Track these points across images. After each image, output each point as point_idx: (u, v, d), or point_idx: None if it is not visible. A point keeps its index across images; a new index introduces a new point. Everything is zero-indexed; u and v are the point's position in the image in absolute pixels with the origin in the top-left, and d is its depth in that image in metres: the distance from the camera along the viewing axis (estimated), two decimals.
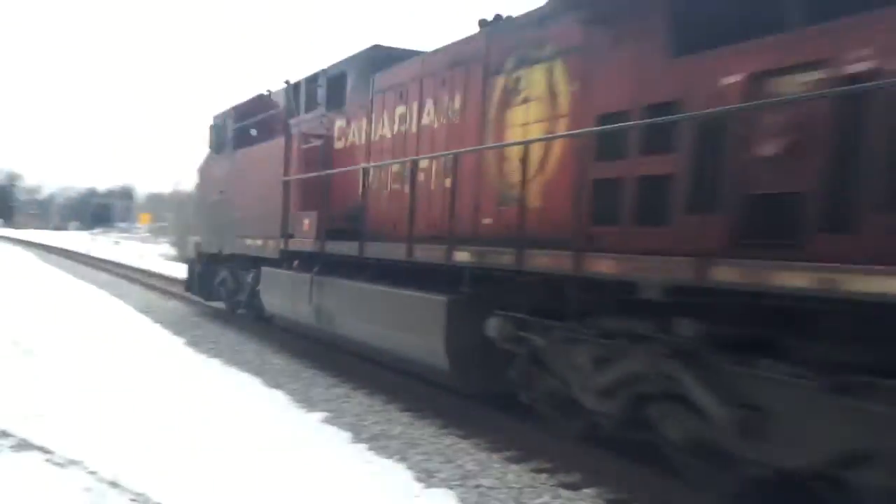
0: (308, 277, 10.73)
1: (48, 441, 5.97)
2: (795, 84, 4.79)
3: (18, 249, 48.66)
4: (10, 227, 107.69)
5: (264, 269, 12.58)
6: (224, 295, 15.79)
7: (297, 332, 12.30)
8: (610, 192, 5.99)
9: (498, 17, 8.30)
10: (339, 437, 7.95)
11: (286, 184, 11.77)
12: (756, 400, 4.91)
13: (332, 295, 10.19)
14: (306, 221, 11.01)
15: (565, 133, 6.76)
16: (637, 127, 5.75)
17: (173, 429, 7.51)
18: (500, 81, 7.80)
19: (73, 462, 5.39)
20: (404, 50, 10.80)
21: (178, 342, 13.34)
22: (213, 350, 12.64)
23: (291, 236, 11.54)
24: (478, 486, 6.42)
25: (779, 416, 4.79)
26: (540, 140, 6.95)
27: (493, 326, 7.38)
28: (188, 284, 17.57)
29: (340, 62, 11.62)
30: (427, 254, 7.98)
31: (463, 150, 7.99)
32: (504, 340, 7.30)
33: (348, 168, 10.63)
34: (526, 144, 6.83)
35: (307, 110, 12.55)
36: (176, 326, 15.01)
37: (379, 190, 9.97)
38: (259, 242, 12.77)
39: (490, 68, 7.97)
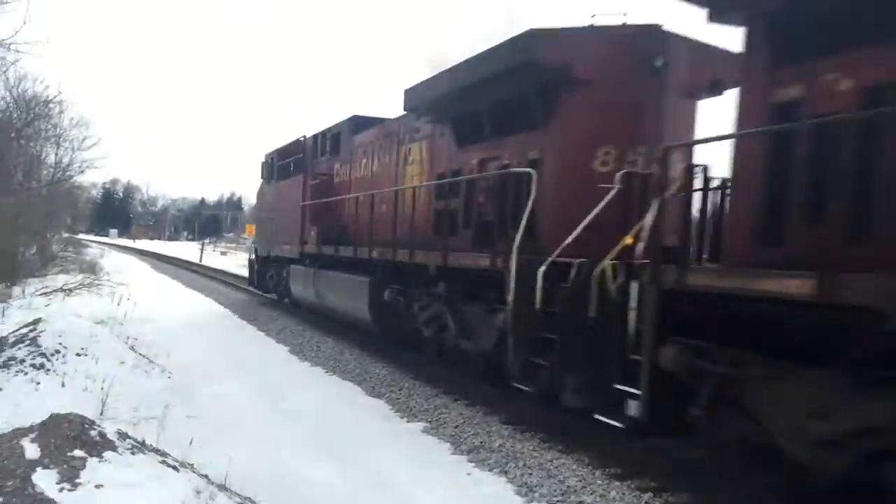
0: (312, 270, 15.78)
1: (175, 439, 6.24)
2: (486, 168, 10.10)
3: (134, 259, 51.19)
4: (126, 237, 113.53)
5: (291, 266, 17.67)
6: (272, 287, 20.72)
7: (319, 312, 16.69)
8: (440, 216, 10.82)
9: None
10: (439, 448, 7.97)
11: (303, 207, 16.84)
12: None
13: (322, 280, 15.20)
14: (312, 233, 16.10)
15: (421, 185, 11.88)
16: (445, 182, 10.90)
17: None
18: (403, 149, 12.98)
19: (184, 465, 5.58)
20: (372, 118, 15.25)
21: (282, 349, 13.83)
22: (333, 367, 12.94)
23: (306, 243, 16.48)
24: (580, 503, 6.29)
25: None
26: (412, 187, 12.01)
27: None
28: (250, 280, 23.05)
29: (338, 124, 16.53)
30: (363, 252, 12.92)
31: (382, 190, 13.09)
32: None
33: (336, 198, 15.72)
34: (409, 189, 12.06)
35: (320, 155, 17.53)
36: (280, 336, 15.55)
37: (355, 211, 14.52)
38: (287, 247, 17.99)
39: (400, 141, 13.08)
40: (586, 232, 7.33)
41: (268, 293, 21.36)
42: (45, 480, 4.48)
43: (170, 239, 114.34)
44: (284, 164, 19.36)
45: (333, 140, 16.70)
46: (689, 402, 5.94)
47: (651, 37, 8.47)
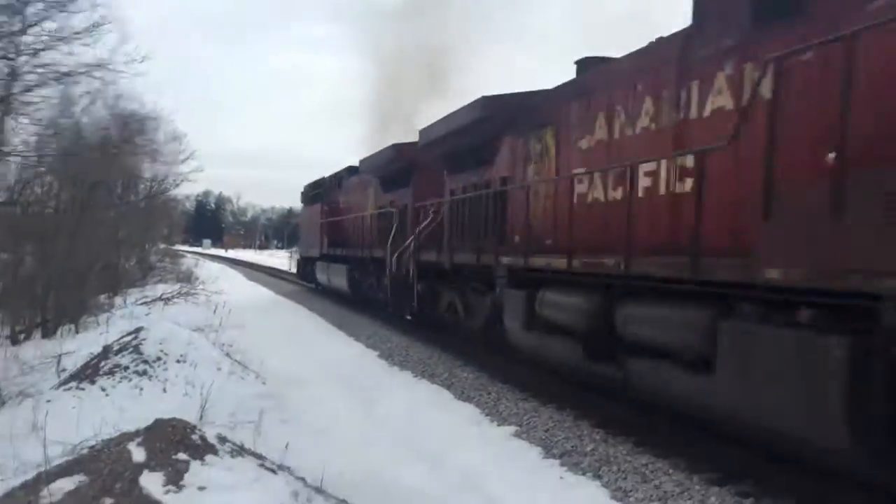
0: (325, 264, 24.64)
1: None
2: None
3: (227, 268, 52.82)
4: (219, 246, 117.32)
5: (316, 262, 26.96)
6: (308, 277, 30.44)
7: (328, 290, 25.62)
8: (380, 231, 18.73)
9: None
10: (530, 453, 7.93)
11: (320, 223, 25.91)
12: None
13: (329, 269, 23.99)
14: (325, 240, 24.98)
15: (367, 213, 20.72)
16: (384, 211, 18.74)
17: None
18: (368, 190, 21.16)
19: (281, 468, 5.73)
20: (356, 168, 22.56)
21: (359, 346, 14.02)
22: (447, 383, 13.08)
23: (321, 247, 25.29)
24: None
25: None
26: (365, 214, 21.57)
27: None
28: (298, 275, 34.39)
29: (340, 171, 25.32)
30: (348, 251, 21.48)
31: (357, 214, 21.73)
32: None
33: (338, 218, 24.14)
34: (365, 215, 21.21)
35: (331, 190, 26.16)
36: (370, 341, 15.76)
37: (346, 227, 23.01)
38: (313, 250, 27.45)
39: (365, 186, 21.73)
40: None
41: (308, 282, 31.10)
42: (151, 483, 4.67)
43: (261, 248, 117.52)
44: (312, 194, 29.18)
45: (338, 181, 25.49)
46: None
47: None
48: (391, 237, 16.06)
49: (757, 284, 5.45)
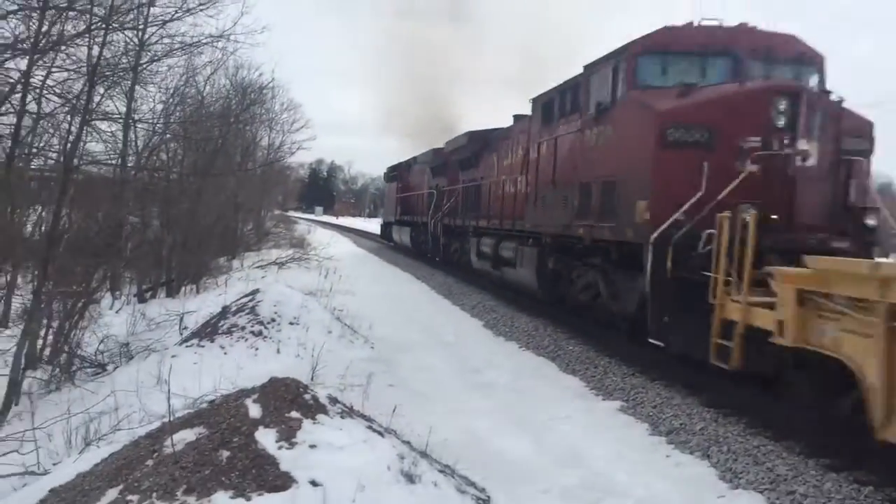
0: (398, 227, 34.79)
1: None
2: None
3: (337, 234, 54.11)
4: (330, 214, 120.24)
5: (392, 225, 36.99)
6: (388, 238, 39.57)
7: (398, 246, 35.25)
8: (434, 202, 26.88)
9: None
10: (637, 429, 7.81)
11: (396, 198, 34.92)
12: None
13: (400, 231, 34.13)
14: (398, 209, 34.58)
15: (422, 192, 30.00)
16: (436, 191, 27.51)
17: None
18: (425, 177, 29.24)
19: (388, 431, 5.86)
20: (413, 160, 33.26)
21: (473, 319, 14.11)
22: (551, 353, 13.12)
23: (396, 213, 35.23)
24: (791, 493, 5.94)
25: None
26: (421, 193, 31.32)
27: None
28: (381, 235, 43.99)
29: (408, 160, 34.33)
30: (414, 218, 30.97)
31: (416, 192, 31.69)
32: None
33: (407, 194, 32.80)
34: (422, 193, 30.52)
35: (404, 172, 34.35)
36: (475, 310, 15.88)
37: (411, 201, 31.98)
38: (391, 216, 37.72)
39: (422, 172, 30.66)
40: None
41: (388, 241, 40.36)
42: (266, 438, 4.86)
43: (370, 216, 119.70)
44: (391, 174, 39.16)
45: (408, 166, 34.05)
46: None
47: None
48: (431, 208, 25.70)
49: (524, 230, 14.34)
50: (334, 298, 14.21)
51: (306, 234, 42.25)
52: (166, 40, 14.25)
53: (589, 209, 10.99)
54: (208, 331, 9.98)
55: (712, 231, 7.79)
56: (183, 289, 17.59)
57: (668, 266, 8.19)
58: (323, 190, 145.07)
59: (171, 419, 5.38)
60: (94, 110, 12.24)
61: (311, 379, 7.99)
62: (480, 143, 20.30)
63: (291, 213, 66.51)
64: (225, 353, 9.09)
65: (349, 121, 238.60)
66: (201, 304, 13.21)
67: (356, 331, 11.58)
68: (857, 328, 5.73)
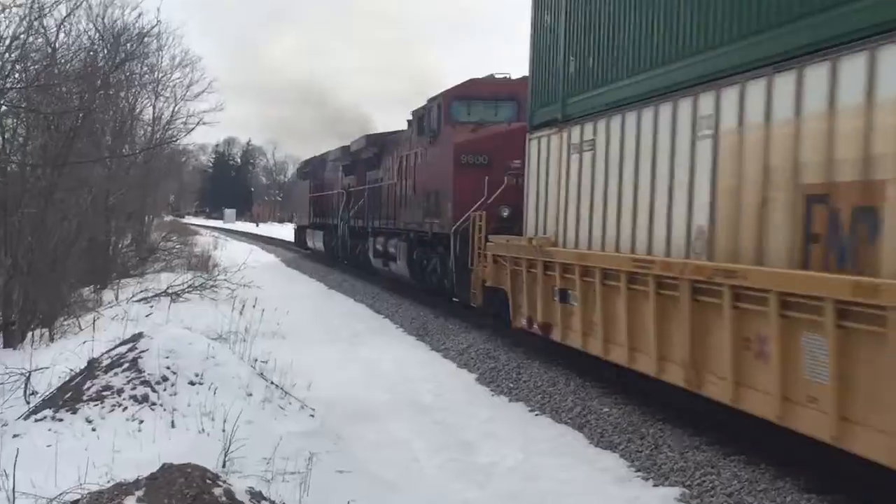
0: (310, 230, 48.29)
1: None
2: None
3: (257, 249, 54.23)
4: (247, 219, 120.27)
5: (307, 229, 49.72)
6: (301, 242, 52.85)
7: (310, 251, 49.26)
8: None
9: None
10: None
11: (309, 198, 48.11)
12: None
13: (311, 234, 48.33)
14: (311, 211, 47.66)
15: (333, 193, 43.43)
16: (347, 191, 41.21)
17: None
18: (338, 175, 42.15)
19: None
20: (323, 155, 47.05)
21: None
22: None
23: (308, 216, 49.04)
24: None
25: None
26: (331, 193, 43.67)
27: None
28: (297, 242, 55.88)
29: (323, 154, 46.91)
30: (322, 220, 45.51)
31: (328, 192, 45.50)
32: None
33: (319, 194, 45.78)
34: (334, 194, 43.57)
35: (318, 170, 47.26)
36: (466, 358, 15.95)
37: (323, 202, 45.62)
38: (305, 220, 50.44)
39: (335, 169, 43.56)
40: None
41: (303, 248, 51.51)
42: None
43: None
44: (304, 171, 51.56)
45: (321, 163, 44.90)
46: None
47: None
48: (341, 210, 36.83)
49: (400, 228, 26.80)
50: (255, 344, 14.17)
51: (212, 251, 42.17)
52: None
53: (430, 210, 22.46)
54: (68, 397, 9.89)
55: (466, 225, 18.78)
56: (30, 335, 17.44)
57: (457, 247, 19.39)
58: (235, 184, 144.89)
59: None
60: None
61: (224, 465, 7.96)
62: (380, 146, 31.05)
63: (190, 220, 66.39)
64: (93, 430, 9.01)
65: (277, 83, 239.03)
66: (57, 358, 13.08)
67: (288, 392, 11.55)
68: (510, 271, 16.27)
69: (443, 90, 21.78)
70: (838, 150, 7.82)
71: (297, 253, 53.94)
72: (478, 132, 20.25)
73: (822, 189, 8.02)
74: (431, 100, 22.44)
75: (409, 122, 26.92)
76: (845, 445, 7.53)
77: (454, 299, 20.52)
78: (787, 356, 8.20)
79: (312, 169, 46.74)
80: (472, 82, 21.44)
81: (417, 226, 23.28)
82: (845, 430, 7.46)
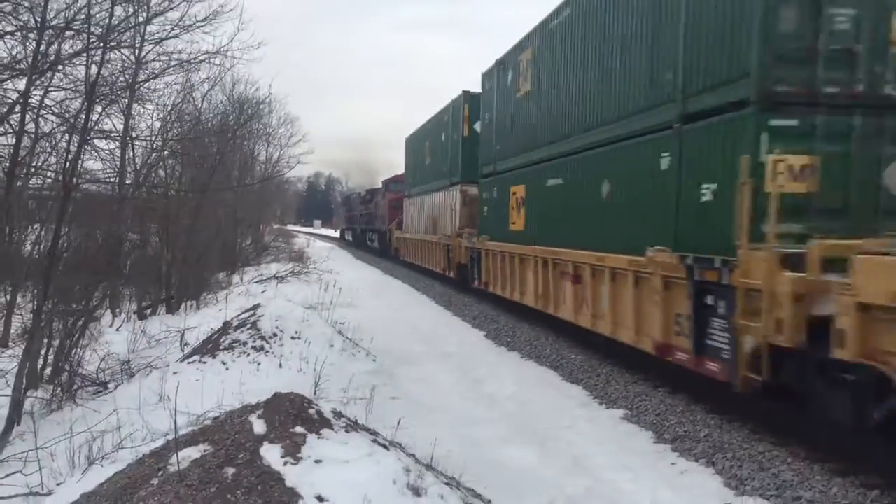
0: (345, 231, 66.12)
1: None
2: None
3: (335, 247, 54.30)
4: (328, 226, 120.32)
5: (344, 231, 67.89)
6: (344, 237, 66.40)
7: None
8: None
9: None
10: (641, 437, 7.80)
11: (344, 216, 70.11)
12: None
13: (346, 233, 64.34)
14: (347, 221, 65.61)
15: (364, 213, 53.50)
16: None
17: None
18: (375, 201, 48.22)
19: (393, 444, 5.84)
20: (376, 190, 47.16)
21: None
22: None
23: (347, 224, 65.88)
24: (797, 499, 5.93)
25: None
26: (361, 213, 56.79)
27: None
28: (340, 237, 71.07)
29: (374, 188, 48.91)
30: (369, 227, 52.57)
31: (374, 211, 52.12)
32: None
33: (350, 213, 62.94)
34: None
35: (349, 201, 66.16)
36: (474, 319, 15.85)
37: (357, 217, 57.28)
38: (344, 226, 68.51)
39: (379, 196, 46.11)
40: None
41: (342, 238, 64.77)
42: (271, 454, 4.84)
43: None
44: (343, 201, 78.44)
45: (349, 198, 65.35)
46: None
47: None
48: (358, 220, 51.34)
49: (374, 228, 42.76)
50: (335, 311, 14.20)
51: (305, 248, 42.24)
52: (163, 58, 14.31)
53: (382, 221, 37.99)
54: (210, 347, 9.95)
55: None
56: (183, 305, 17.52)
57: (387, 235, 36.29)
58: (321, 203, 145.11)
59: (176, 437, 5.35)
60: (93, 129, 12.22)
61: (315, 393, 7.97)
62: (372, 193, 44.52)
63: (290, 227, 67.30)
64: (227, 369, 9.06)
65: (347, 133, 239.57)
66: (202, 320, 13.17)
67: (358, 344, 11.57)
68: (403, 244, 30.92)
69: (385, 178, 41.20)
70: None
71: (343, 241, 64.48)
72: (396, 194, 34.16)
73: None
74: (384, 182, 40.06)
75: (383, 184, 40.38)
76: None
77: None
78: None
79: (346, 200, 67.60)
80: (395, 176, 37.07)
81: (379, 227, 39.21)
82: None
